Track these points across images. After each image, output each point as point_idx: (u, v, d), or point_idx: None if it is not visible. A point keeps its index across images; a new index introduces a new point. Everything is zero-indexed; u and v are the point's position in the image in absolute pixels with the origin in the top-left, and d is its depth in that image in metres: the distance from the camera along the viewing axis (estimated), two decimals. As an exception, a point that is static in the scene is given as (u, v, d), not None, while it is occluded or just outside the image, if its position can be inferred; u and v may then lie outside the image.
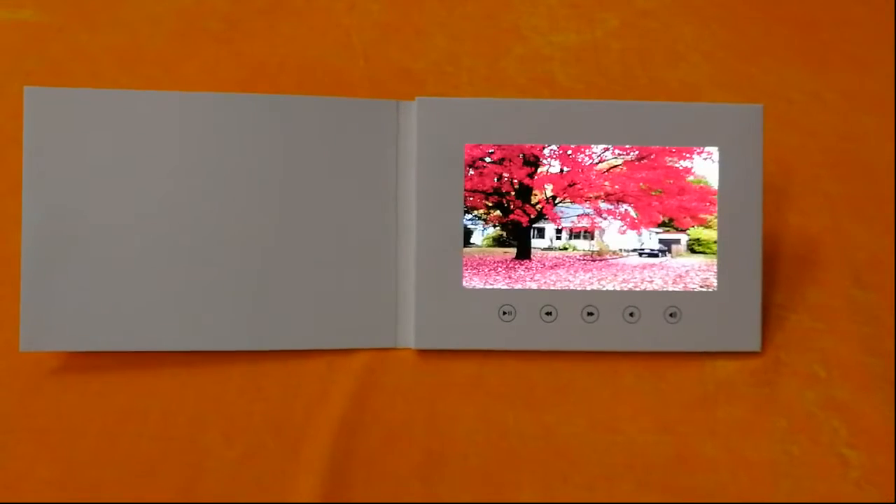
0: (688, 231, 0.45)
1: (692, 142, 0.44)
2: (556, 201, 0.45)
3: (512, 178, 0.44)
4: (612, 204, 0.45)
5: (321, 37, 0.58)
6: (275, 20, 0.59)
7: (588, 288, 0.44)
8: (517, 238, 0.45)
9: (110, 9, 0.59)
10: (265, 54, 0.57)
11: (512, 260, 0.45)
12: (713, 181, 0.44)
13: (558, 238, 0.45)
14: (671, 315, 0.44)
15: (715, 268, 0.44)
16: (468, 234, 0.44)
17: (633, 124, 0.44)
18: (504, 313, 0.44)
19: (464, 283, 0.44)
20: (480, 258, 0.44)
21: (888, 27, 0.60)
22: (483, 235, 0.44)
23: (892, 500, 0.39)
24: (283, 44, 0.58)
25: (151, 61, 0.56)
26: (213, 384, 0.43)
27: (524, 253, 0.45)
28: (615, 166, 0.44)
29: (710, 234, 0.44)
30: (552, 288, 0.44)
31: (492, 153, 0.44)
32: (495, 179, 0.44)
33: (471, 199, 0.44)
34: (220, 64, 0.56)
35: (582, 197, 0.45)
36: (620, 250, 0.45)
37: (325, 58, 0.57)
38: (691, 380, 0.44)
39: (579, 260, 0.45)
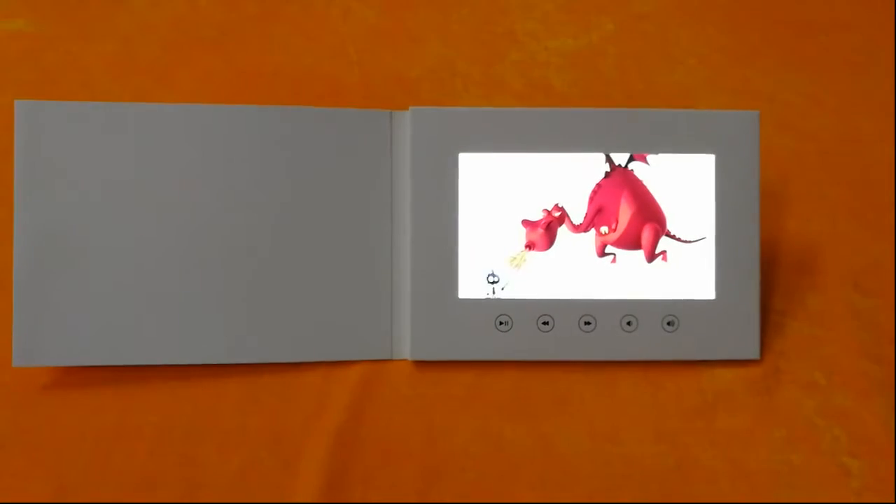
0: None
1: (688, 149, 0.44)
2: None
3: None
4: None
5: (316, 44, 0.58)
6: (269, 28, 0.59)
7: (585, 297, 0.44)
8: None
9: (103, 18, 0.59)
10: (259, 62, 0.57)
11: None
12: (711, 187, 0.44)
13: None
14: (669, 324, 0.44)
15: (713, 275, 0.44)
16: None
17: (629, 132, 0.44)
18: (501, 323, 0.44)
19: (460, 294, 0.44)
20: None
21: (885, 30, 0.59)
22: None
23: (894, 510, 0.39)
24: (278, 52, 0.58)
25: (145, 70, 0.56)
26: (209, 397, 0.43)
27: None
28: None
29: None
30: (549, 297, 0.44)
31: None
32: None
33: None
34: (214, 73, 0.56)
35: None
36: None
37: (319, 66, 0.57)
38: (690, 389, 0.43)
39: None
